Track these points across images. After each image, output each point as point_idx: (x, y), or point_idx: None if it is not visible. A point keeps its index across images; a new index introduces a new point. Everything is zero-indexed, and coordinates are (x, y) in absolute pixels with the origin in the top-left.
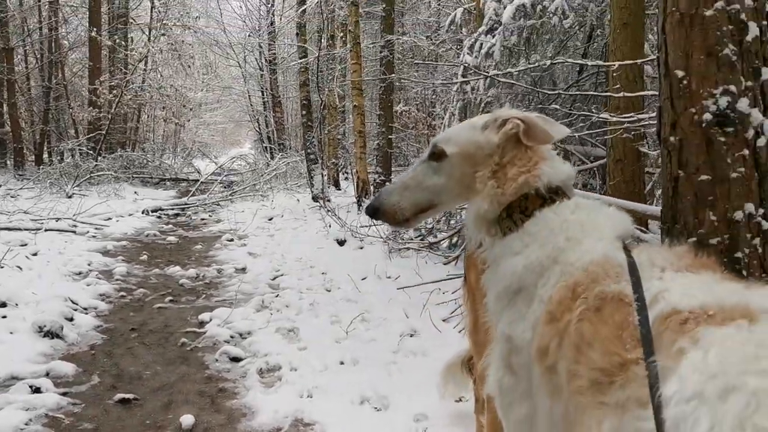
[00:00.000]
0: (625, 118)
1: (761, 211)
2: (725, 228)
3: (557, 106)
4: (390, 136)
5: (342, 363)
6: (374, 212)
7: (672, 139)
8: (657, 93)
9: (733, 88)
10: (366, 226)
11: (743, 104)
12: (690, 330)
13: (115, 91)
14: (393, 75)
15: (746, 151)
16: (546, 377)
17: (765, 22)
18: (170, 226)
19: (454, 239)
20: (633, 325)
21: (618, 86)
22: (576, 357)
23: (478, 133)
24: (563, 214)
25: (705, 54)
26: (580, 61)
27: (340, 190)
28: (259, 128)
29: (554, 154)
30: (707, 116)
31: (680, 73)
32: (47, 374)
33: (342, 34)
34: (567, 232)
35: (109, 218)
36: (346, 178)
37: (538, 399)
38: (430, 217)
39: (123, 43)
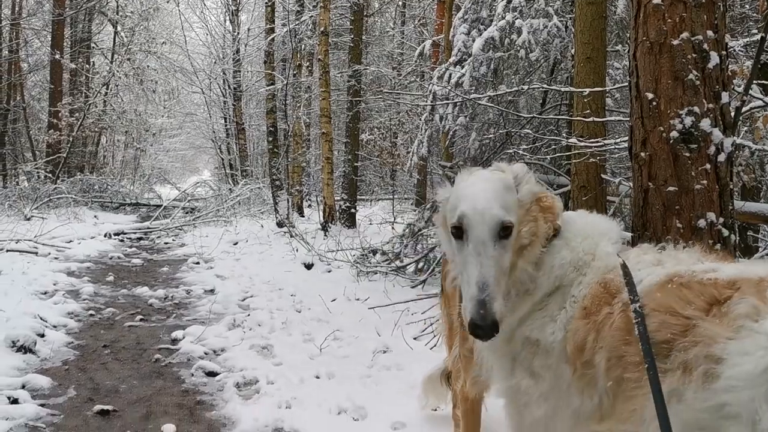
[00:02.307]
0: (591, 142)
1: (721, 219)
2: (690, 234)
3: (528, 130)
4: (356, 164)
5: (318, 377)
6: (496, 326)
7: (642, 154)
8: (621, 119)
9: (696, 109)
10: (333, 251)
11: (705, 124)
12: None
13: (76, 114)
14: (361, 104)
15: (708, 166)
16: (579, 373)
17: (724, 52)
18: (134, 249)
19: (421, 264)
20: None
21: (588, 111)
22: (624, 340)
23: (514, 194)
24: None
25: (672, 78)
26: (553, 87)
27: (303, 216)
28: (222, 155)
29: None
30: (674, 134)
31: (650, 95)
32: (23, 386)
33: (308, 63)
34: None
35: (71, 240)
36: (309, 206)
37: (563, 398)
38: None
39: (86, 66)
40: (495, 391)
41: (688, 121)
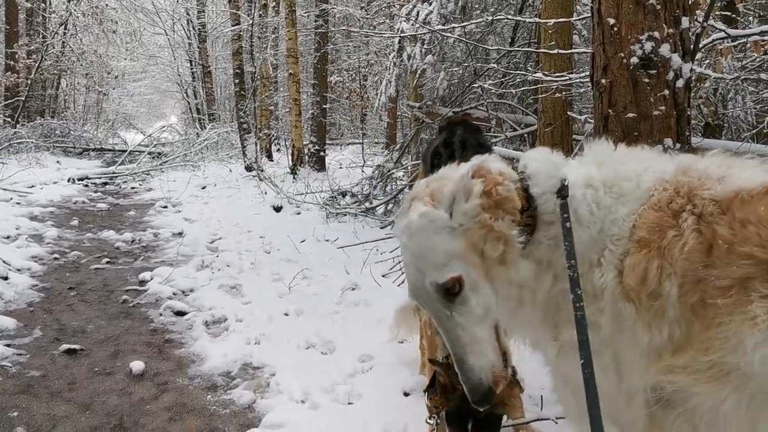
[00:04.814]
0: (557, 77)
1: (678, 145)
2: None
3: (496, 65)
4: (324, 106)
5: (286, 314)
6: (491, 392)
7: (603, 81)
8: (586, 50)
9: (656, 34)
10: (302, 194)
11: (665, 49)
12: None
13: (34, 56)
14: (329, 44)
15: (667, 92)
16: (645, 306)
17: None
18: (99, 194)
19: (390, 205)
20: None
21: (553, 43)
22: (702, 263)
23: (447, 225)
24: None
25: (634, 3)
26: (519, 18)
27: (272, 160)
28: (188, 99)
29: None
30: (634, 60)
31: (611, 21)
32: None
33: (274, 2)
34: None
35: (33, 186)
36: (278, 150)
37: (627, 338)
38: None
39: (42, 5)
40: (546, 360)
41: (648, 46)
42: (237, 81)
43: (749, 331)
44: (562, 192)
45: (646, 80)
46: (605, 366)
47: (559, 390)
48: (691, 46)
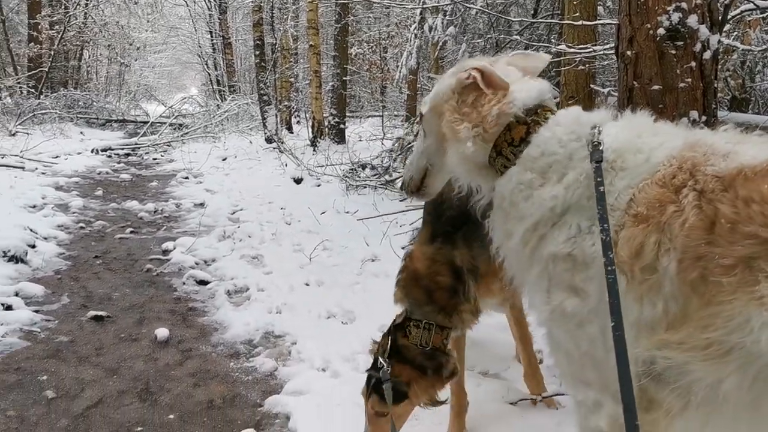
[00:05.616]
0: (580, 49)
1: (704, 118)
2: None
3: (518, 37)
4: (345, 78)
5: (307, 284)
6: (401, 189)
7: (628, 52)
8: (611, 22)
9: (684, 5)
10: (322, 166)
11: (693, 20)
12: None
13: (57, 27)
14: (349, 16)
15: (693, 64)
16: (638, 280)
17: None
18: (122, 164)
19: None
20: None
21: (577, 14)
22: (703, 239)
23: (444, 86)
24: (560, 129)
25: None
26: None
27: (292, 133)
28: (208, 70)
29: (521, 75)
30: (661, 31)
31: None
32: (17, 294)
33: None
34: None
35: (58, 156)
36: (298, 122)
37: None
38: (439, 183)
39: None
40: (536, 321)
41: (676, 17)
42: (257, 53)
43: (756, 310)
44: (594, 155)
45: (673, 52)
46: (594, 336)
47: (553, 354)
48: (720, 18)
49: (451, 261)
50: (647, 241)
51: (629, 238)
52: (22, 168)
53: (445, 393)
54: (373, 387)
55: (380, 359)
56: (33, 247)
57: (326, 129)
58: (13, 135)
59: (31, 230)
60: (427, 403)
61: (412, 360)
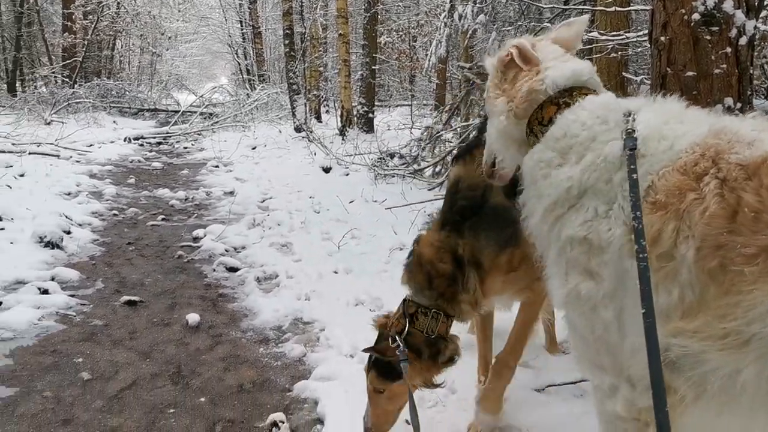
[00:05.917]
0: (613, 36)
1: (739, 105)
2: None
3: (549, 24)
4: (374, 67)
5: (336, 272)
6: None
7: (662, 38)
8: (644, 7)
9: None
10: (351, 155)
11: (728, 5)
12: None
13: (90, 17)
14: (378, 4)
15: (729, 49)
16: (653, 267)
17: None
18: (153, 153)
19: (438, 167)
20: None
21: (610, 0)
22: (725, 228)
23: (490, 65)
24: (584, 114)
25: None
26: None
27: (321, 122)
28: (238, 60)
29: (562, 53)
30: (695, 16)
31: None
32: (53, 279)
33: None
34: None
35: (91, 144)
36: (327, 111)
37: (630, 296)
38: (507, 165)
39: None
40: (555, 304)
41: (711, 2)
42: (287, 42)
43: None
44: (628, 143)
45: (708, 37)
46: (608, 320)
47: (570, 338)
48: (756, 3)
49: (454, 250)
50: (665, 228)
51: (646, 225)
52: (57, 156)
53: (441, 377)
54: (373, 364)
55: (397, 339)
56: (68, 233)
57: (355, 118)
58: (49, 124)
59: (66, 217)
60: (422, 385)
61: (411, 344)
